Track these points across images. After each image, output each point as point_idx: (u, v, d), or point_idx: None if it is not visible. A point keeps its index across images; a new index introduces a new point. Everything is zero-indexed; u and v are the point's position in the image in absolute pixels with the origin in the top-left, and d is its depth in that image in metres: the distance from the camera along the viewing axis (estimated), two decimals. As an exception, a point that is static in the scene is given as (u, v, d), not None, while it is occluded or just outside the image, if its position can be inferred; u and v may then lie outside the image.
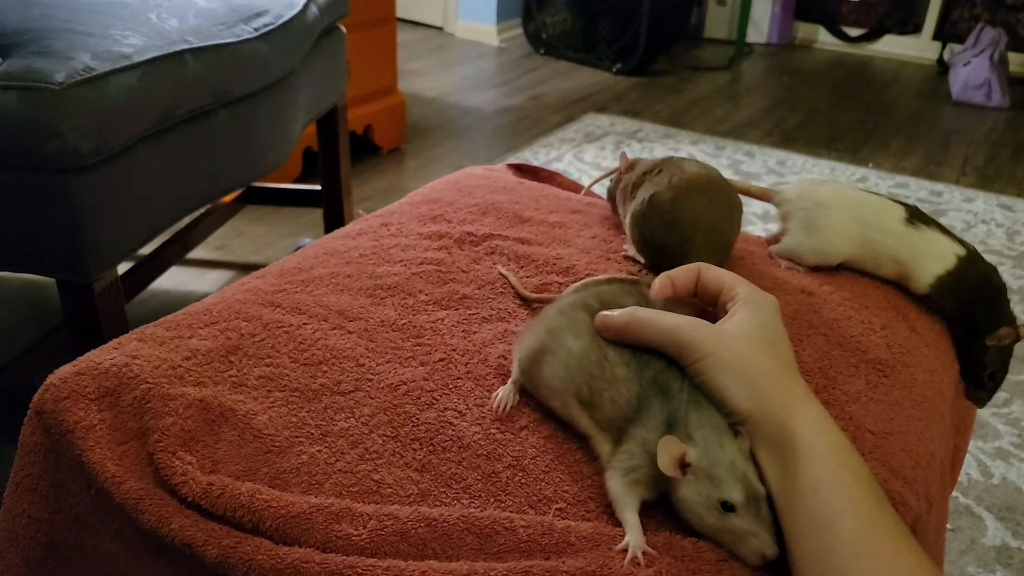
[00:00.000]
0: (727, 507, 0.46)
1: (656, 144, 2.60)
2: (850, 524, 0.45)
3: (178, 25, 1.08)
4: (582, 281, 0.69)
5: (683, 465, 0.48)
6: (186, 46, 1.05)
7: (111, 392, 0.58)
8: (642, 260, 0.76)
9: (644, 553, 0.46)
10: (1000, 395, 1.48)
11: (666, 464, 0.47)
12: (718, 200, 0.72)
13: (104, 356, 0.61)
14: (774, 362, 0.53)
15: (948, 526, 1.18)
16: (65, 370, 0.61)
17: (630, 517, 0.48)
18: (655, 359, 0.53)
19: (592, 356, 0.54)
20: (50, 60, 0.90)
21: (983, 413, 1.43)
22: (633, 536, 0.47)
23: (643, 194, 0.74)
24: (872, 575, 0.44)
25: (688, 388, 0.51)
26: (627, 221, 0.77)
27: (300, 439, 0.55)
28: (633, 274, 0.75)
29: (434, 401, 0.59)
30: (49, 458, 0.60)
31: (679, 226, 0.70)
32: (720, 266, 0.62)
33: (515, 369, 0.60)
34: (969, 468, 1.30)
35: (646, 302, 0.57)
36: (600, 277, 0.70)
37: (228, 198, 1.73)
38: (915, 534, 0.56)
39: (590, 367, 0.54)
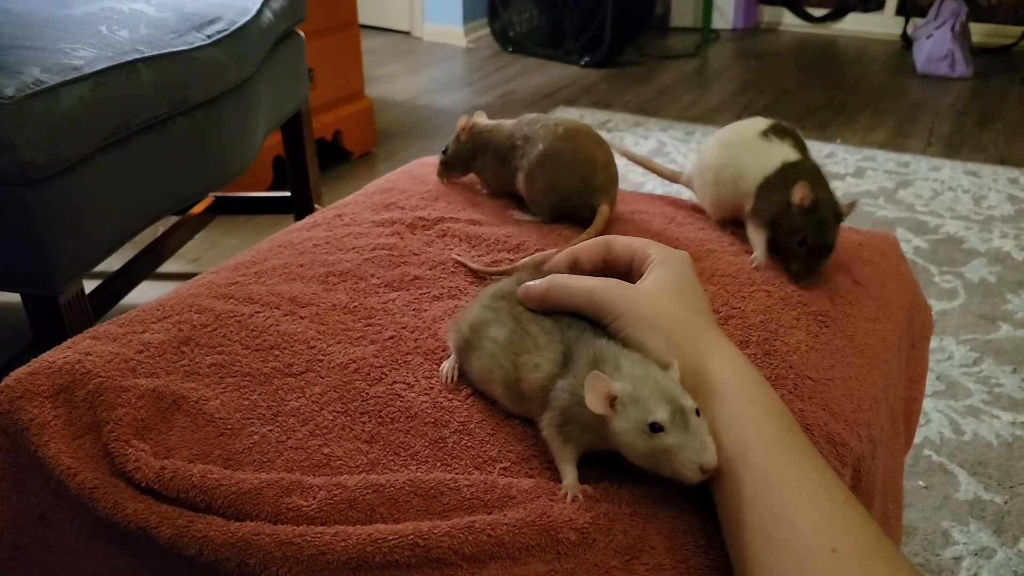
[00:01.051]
0: (655, 428, 0.46)
1: (626, 133, 2.61)
2: (759, 452, 0.46)
3: (129, 36, 1.08)
4: (521, 261, 0.71)
5: (612, 400, 0.47)
6: (138, 56, 1.06)
7: (65, 389, 0.59)
8: (539, 218, 0.81)
9: (584, 496, 0.48)
10: (970, 354, 1.50)
11: (594, 401, 0.47)
12: (600, 142, 0.81)
13: (57, 355, 0.62)
14: (688, 312, 0.54)
15: (921, 483, 1.20)
16: (19, 371, 0.62)
17: (566, 466, 0.49)
18: (576, 320, 0.54)
19: (515, 337, 0.55)
20: (0, 75, 0.91)
21: (953, 372, 1.45)
22: (568, 481, 0.48)
23: (532, 149, 0.79)
24: (778, 496, 0.44)
25: (617, 341, 0.52)
26: (520, 179, 0.82)
27: (252, 420, 0.56)
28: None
29: (383, 376, 0.60)
30: (8, 459, 0.60)
31: (580, 167, 0.77)
32: (612, 200, 0.74)
33: (451, 357, 0.61)
34: (941, 427, 1.32)
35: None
36: (536, 256, 0.71)
37: (198, 209, 1.73)
38: (859, 475, 0.58)
39: (514, 348, 0.55)
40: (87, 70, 0.98)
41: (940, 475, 1.22)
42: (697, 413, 0.47)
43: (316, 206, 1.67)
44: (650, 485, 0.49)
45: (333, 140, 2.34)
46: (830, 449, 0.56)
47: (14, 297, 1.64)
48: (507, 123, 0.87)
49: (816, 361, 0.62)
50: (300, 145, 1.67)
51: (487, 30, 3.80)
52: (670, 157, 2.44)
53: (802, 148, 0.78)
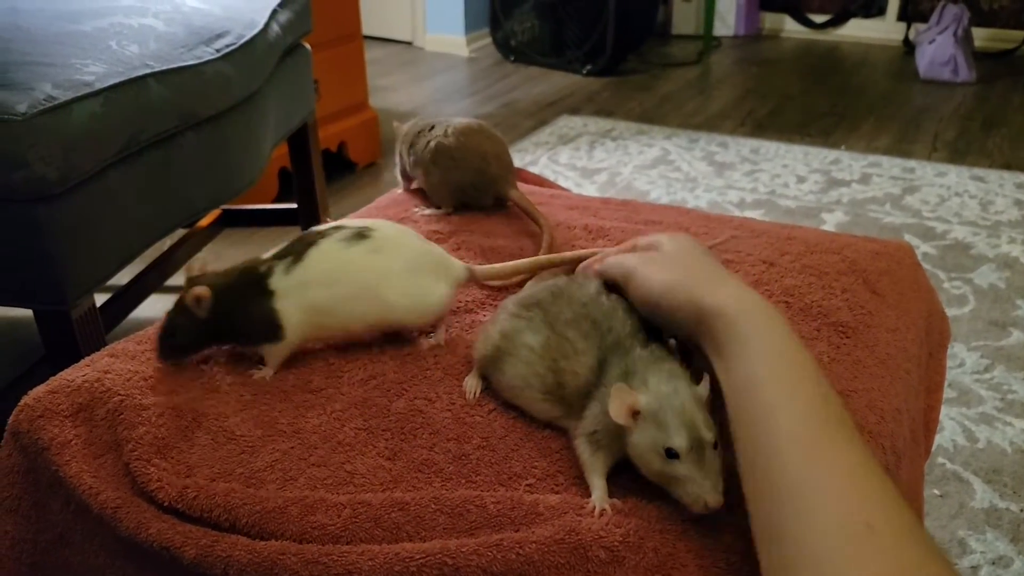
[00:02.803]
0: (671, 454, 0.46)
1: (630, 141, 2.62)
2: (788, 416, 0.45)
3: (139, 51, 1.09)
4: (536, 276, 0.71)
5: (635, 414, 0.48)
6: (148, 70, 1.06)
7: (85, 407, 0.59)
8: (441, 211, 0.85)
9: (612, 512, 0.47)
10: (981, 361, 1.49)
11: (616, 411, 0.47)
12: (492, 136, 0.85)
13: (76, 373, 0.62)
14: (703, 266, 0.56)
15: (936, 491, 1.20)
16: (39, 390, 0.62)
17: (595, 479, 0.49)
18: (617, 325, 0.54)
19: (553, 343, 0.56)
20: (11, 92, 0.91)
21: (966, 379, 1.44)
22: (597, 494, 0.48)
23: (424, 146, 0.84)
24: (813, 466, 0.43)
25: (652, 346, 0.53)
26: (419, 175, 0.88)
27: (273, 437, 0.56)
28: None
29: (404, 391, 0.60)
30: (28, 478, 0.60)
31: (470, 160, 0.82)
32: (513, 183, 0.81)
33: (473, 372, 0.61)
34: (954, 434, 1.31)
35: (598, 288, 0.59)
36: (556, 258, 0.72)
37: (205, 222, 1.73)
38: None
39: (552, 353, 0.55)
40: (98, 85, 0.98)
41: (955, 483, 1.22)
42: (715, 446, 0.47)
43: (327, 219, 1.67)
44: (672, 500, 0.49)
45: (338, 151, 2.34)
46: (855, 462, 0.55)
47: (23, 312, 1.64)
48: (413, 123, 0.92)
49: (838, 372, 0.62)
50: (306, 157, 1.67)
51: (489, 40, 3.81)
52: (675, 165, 2.44)
53: None
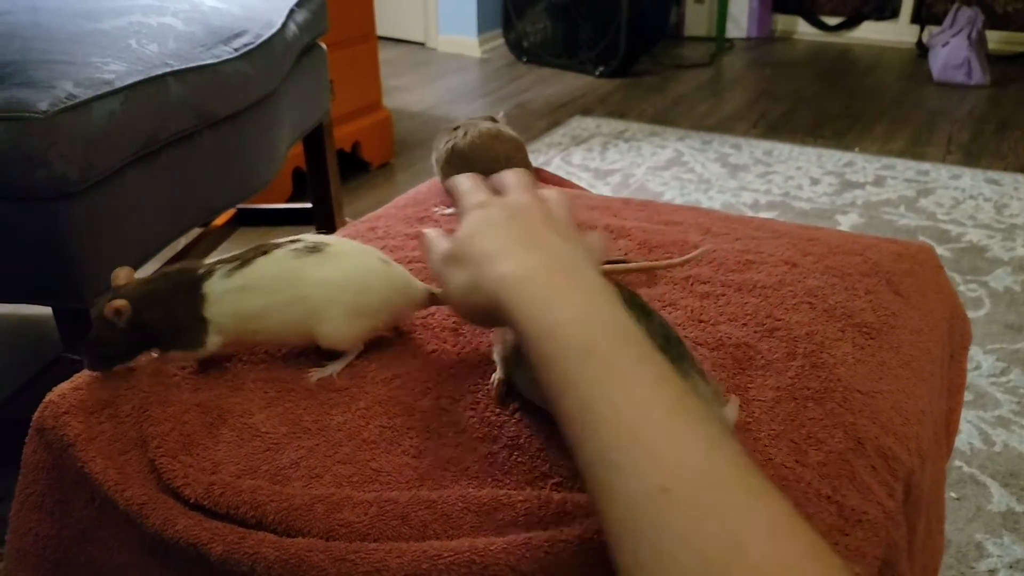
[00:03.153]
0: None
1: (643, 142, 2.61)
2: (572, 374, 0.42)
3: (158, 50, 1.09)
4: None
5: None
6: (167, 69, 1.06)
7: (109, 404, 0.59)
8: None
9: None
10: (998, 364, 1.49)
11: None
12: (506, 141, 0.87)
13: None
14: (498, 239, 0.51)
15: (953, 494, 1.19)
16: (63, 387, 0.62)
17: None
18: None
19: None
20: (33, 90, 0.91)
21: (982, 382, 1.44)
22: None
23: (446, 148, 0.88)
24: (596, 437, 0.40)
25: (671, 357, 0.50)
26: (437, 174, 0.90)
27: (298, 434, 0.56)
28: (616, 261, 0.76)
29: (428, 390, 0.59)
30: (52, 475, 0.60)
31: (480, 161, 0.84)
32: None
33: (498, 370, 0.61)
34: (971, 437, 1.30)
35: (616, 291, 0.57)
36: None
37: (220, 221, 1.74)
38: (909, 489, 0.57)
39: None
40: (118, 84, 0.98)
41: (972, 486, 1.21)
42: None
43: (346, 219, 1.68)
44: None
45: (352, 151, 2.34)
46: (882, 463, 0.55)
47: (41, 310, 1.65)
48: (447, 126, 0.94)
49: (864, 374, 0.61)
50: (322, 157, 1.67)
51: (501, 40, 3.81)
52: (688, 166, 2.44)
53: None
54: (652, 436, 0.39)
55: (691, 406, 0.41)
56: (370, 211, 0.92)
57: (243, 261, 0.61)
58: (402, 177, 2.42)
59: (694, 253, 0.73)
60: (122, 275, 0.62)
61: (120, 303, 0.58)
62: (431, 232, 0.58)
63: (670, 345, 0.51)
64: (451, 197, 0.59)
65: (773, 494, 0.38)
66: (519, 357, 0.57)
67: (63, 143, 0.91)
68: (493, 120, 0.91)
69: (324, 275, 0.60)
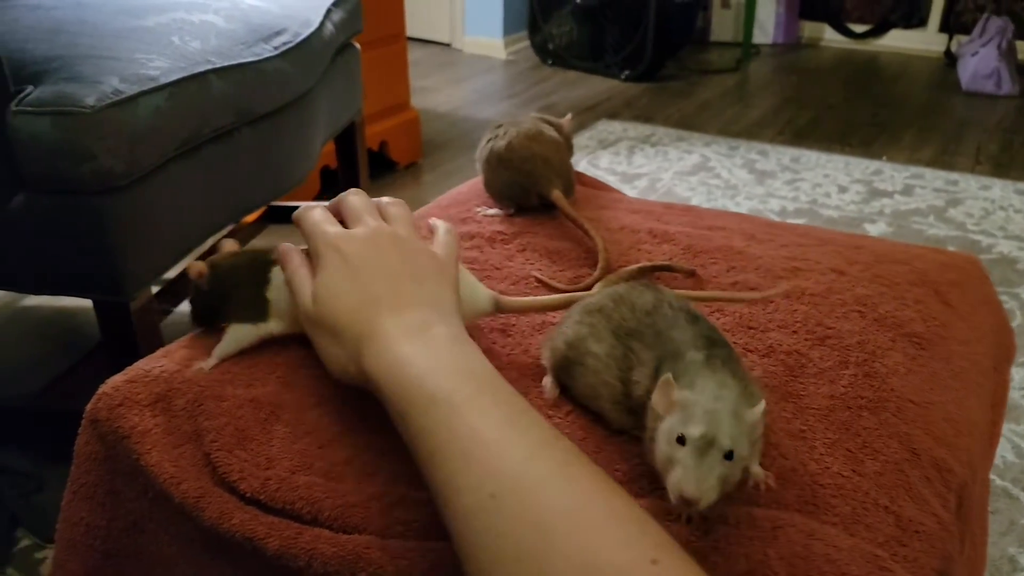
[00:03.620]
0: (680, 440, 0.45)
1: (669, 147, 2.61)
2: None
3: (200, 47, 1.10)
4: (602, 280, 0.71)
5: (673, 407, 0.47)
6: (209, 66, 1.07)
7: (163, 397, 0.60)
8: (502, 212, 0.88)
9: (701, 519, 0.47)
10: (1031, 377, 1.47)
11: (658, 401, 0.46)
12: (544, 143, 0.88)
13: (154, 364, 0.63)
14: (363, 299, 0.54)
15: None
16: (117, 379, 0.62)
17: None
18: (677, 333, 0.53)
19: (617, 353, 0.55)
20: (80, 85, 0.92)
21: (1014, 395, 1.42)
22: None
23: (486, 149, 0.90)
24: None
25: (705, 355, 0.51)
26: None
27: (350, 431, 0.56)
28: (662, 266, 0.76)
29: (479, 391, 0.60)
30: (105, 466, 0.61)
31: (516, 163, 0.86)
32: (566, 187, 0.84)
33: (549, 374, 0.61)
34: (1003, 451, 1.29)
35: (660, 296, 0.57)
36: (621, 271, 0.71)
37: (250, 217, 1.75)
38: (961, 501, 0.57)
39: (618, 364, 0.55)
40: (163, 80, 0.99)
41: (1005, 500, 1.20)
42: (729, 456, 0.44)
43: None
44: (770, 507, 0.49)
45: (379, 150, 2.35)
46: (936, 474, 0.55)
47: (70, 302, 1.67)
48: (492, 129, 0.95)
49: (916, 384, 0.61)
50: (353, 155, 1.68)
51: (527, 43, 3.82)
52: (715, 172, 2.43)
53: None
54: (482, 452, 0.44)
55: (521, 419, 0.46)
56: (417, 209, 0.93)
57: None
58: (429, 177, 2.42)
59: (774, 291, 0.71)
60: (228, 245, 0.66)
61: (199, 266, 0.61)
62: (293, 258, 0.60)
63: (715, 347, 0.52)
64: (299, 231, 0.60)
65: (587, 481, 0.43)
66: (571, 362, 0.57)
67: (110, 138, 0.92)
68: (547, 122, 0.91)
69: None
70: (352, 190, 0.62)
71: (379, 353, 0.51)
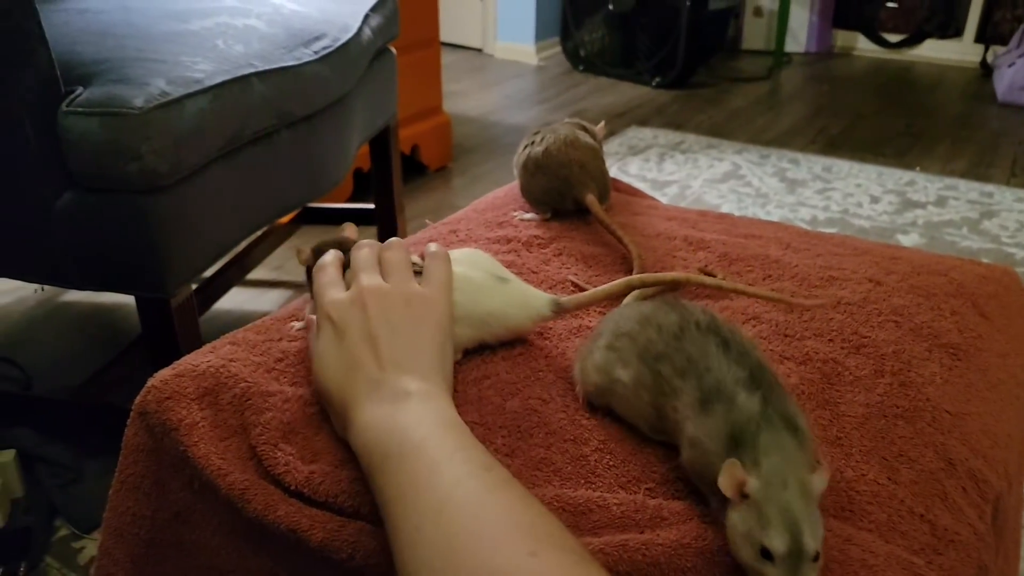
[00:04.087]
0: (765, 554, 0.43)
1: (700, 155, 2.61)
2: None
3: (243, 50, 1.12)
4: (630, 295, 0.71)
5: (743, 493, 0.45)
6: (252, 70, 1.09)
7: (210, 392, 0.61)
8: (538, 216, 0.90)
9: None
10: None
11: (726, 486, 0.45)
12: (580, 149, 0.89)
13: (201, 359, 0.65)
14: (344, 370, 0.56)
15: (1019, 522, 1.17)
16: (164, 373, 0.64)
17: (711, 496, 0.49)
18: (715, 364, 0.51)
19: (646, 379, 0.54)
20: (128, 87, 0.95)
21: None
22: (715, 505, 0.48)
23: (524, 155, 0.91)
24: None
25: (759, 400, 0.48)
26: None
27: (393, 430, 0.58)
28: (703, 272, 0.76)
29: (518, 391, 0.61)
30: (152, 457, 0.63)
31: (552, 168, 0.88)
32: (602, 192, 0.86)
33: (579, 384, 0.61)
34: (1037, 465, 1.28)
35: (686, 314, 0.56)
36: (649, 279, 0.71)
37: (285, 219, 1.77)
38: (997, 512, 0.57)
39: (648, 390, 0.54)
40: (207, 83, 1.02)
41: (1037, 515, 1.19)
42: (817, 557, 0.43)
43: (427, 220, 1.70)
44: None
45: (411, 154, 2.37)
46: (972, 485, 0.55)
47: (109, 298, 1.70)
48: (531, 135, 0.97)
49: (952, 395, 0.61)
50: (387, 159, 1.70)
51: (558, 49, 3.83)
52: (745, 180, 2.43)
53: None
54: (435, 480, 0.46)
55: (469, 453, 0.48)
56: (428, 213, 0.94)
57: None
58: (459, 181, 2.44)
59: (818, 301, 0.71)
60: (349, 230, 0.69)
61: (304, 250, 0.66)
62: (311, 328, 0.62)
63: (761, 386, 0.50)
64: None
65: (506, 491, 0.45)
66: (603, 390, 0.58)
67: (156, 138, 0.94)
68: (584, 127, 0.92)
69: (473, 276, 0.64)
70: (363, 241, 0.64)
71: (352, 421, 0.53)
